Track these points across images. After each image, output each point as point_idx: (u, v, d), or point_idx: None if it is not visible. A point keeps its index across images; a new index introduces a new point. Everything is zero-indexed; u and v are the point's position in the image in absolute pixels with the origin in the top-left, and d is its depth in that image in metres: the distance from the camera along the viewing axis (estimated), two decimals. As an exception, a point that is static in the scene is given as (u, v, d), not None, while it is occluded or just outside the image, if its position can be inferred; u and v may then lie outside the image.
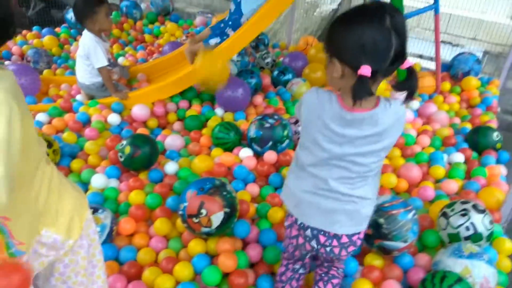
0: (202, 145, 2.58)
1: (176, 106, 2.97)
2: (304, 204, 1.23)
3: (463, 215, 1.69)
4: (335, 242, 1.23)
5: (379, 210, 1.66)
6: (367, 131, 1.08)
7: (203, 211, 1.70)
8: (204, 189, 1.73)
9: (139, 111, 2.71)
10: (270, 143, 2.43)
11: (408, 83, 1.03)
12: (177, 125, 2.83)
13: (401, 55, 0.99)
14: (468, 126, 2.85)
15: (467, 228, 1.67)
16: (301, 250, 1.37)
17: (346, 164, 1.13)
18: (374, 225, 1.66)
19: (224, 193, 1.76)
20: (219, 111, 2.95)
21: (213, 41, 2.99)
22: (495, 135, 2.58)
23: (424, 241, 1.84)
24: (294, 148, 2.63)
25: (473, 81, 3.30)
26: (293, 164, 1.28)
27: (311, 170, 1.18)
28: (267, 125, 2.44)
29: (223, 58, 2.68)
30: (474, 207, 1.72)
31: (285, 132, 2.45)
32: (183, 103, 2.99)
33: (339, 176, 1.15)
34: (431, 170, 2.38)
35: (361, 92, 0.98)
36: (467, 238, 1.67)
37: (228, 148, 2.50)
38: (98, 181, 2.13)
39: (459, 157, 2.48)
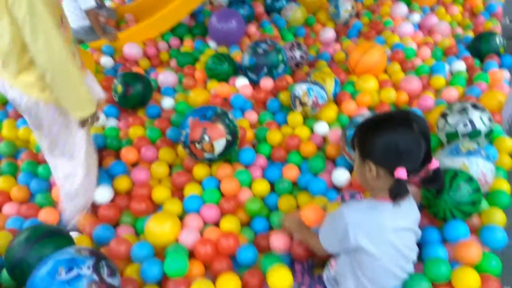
0: (197, 79, 2.54)
1: (167, 45, 2.90)
2: None
3: (461, 112, 1.67)
4: None
5: None
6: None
7: (206, 137, 1.70)
8: (206, 116, 1.73)
9: (130, 50, 2.67)
10: (265, 69, 2.38)
11: (435, 182, 1.10)
12: (171, 63, 2.79)
13: (428, 155, 1.07)
14: (471, 35, 2.74)
15: (465, 125, 1.65)
16: None
17: None
18: None
19: (226, 120, 1.75)
20: (212, 44, 2.88)
21: None
22: (498, 40, 2.47)
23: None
24: (291, 74, 2.57)
25: (476, -12, 3.12)
26: None
27: None
28: (261, 51, 2.37)
29: None
30: (473, 105, 1.68)
31: (280, 57, 2.39)
32: (174, 41, 2.92)
33: None
34: (432, 80, 2.32)
35: (401, 192, 1.04)
36: (465, 136, 1.66)
37: (223, 79, 2.47)
38: (96, 119, 2.14)
39: (460, 66, 2.41)
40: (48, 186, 1.85)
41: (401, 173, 1.02)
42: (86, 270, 1.06)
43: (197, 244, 1.45)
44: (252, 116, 2.18)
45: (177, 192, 1.78)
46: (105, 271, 1.10)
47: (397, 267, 1.15)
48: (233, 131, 1.76)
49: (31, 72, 1.36)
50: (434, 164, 1.07)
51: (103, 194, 1.72)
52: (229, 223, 1.56)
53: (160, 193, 1.72)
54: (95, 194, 1.70)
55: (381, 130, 1.07)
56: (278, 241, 1.45)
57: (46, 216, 1.66)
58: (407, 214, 1.15)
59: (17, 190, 1.79)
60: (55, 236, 1.32)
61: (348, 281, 1.18)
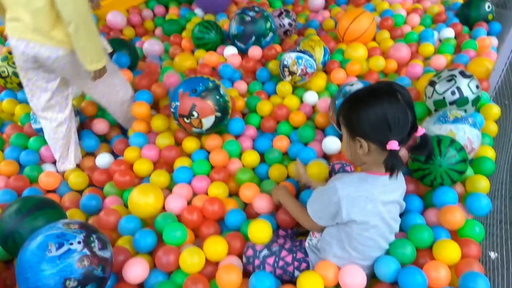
0: (184, 48, 2.49)
1: (152, 12, 2.81)
2: None
3: (450, 80, 1.67)
4: None
5: None
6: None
7: (195, 114, 1.68)
8: (197, 91, 1.68)
9: (114, 18, 2.58)
10: (253, 38, 2.34)
11: (425, 147, 1.09)
12: (156, 32, 2.72)
13: (415, 124, 1.07)
14: (460, 1, 2.71)
15: (453, 93, 1.66)
16: None
17: None
18: None
19: (217, 96, 1.71)
20: (198, 12, 2.80)
21: None
22: (487, 6, 2.46)
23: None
24: (279, 42, 2.54)
25: (467, -47, 3.06)
26: None
27: None
28: (248, 18, 2.32)
29: None
30: (461, 73, 1.69)
31: (268, 25, 2.34)
32: (159, 8, 2.83)
33: None
34: (420, 48, 2.31)
35: (397, 163, 1.04)
36: (452, 103, 1.67)
37: (210, 49, 2.42)
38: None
39: (449, 33, 2.40)
40: (37, 158, 1.85)
41: (393, 145, 1.02)
42: (76, 245, 1.05)
43: (184, 211, 1.46)
44: (241, 86, 2.16)
45: (167, 166, 1.77)
46: (96, 245, 1.09)
47: (382, 238, 1.19)
48: (223, 108, 1.73)
49: (61, 29, 1.49)
50: (421, 131, 1.08)
51: (103, 160, 1.81)
52: (217, 189, 1.58)
53: (142, 166, 1.71)
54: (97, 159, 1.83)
55: (367, 105, 1.06)
56: (261, 203, 1.48)
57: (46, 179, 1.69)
58: (396, 187, 1.17)
59: (6, 165, 1.77)
60: (46, 208, 1.31)
61: (332, 249, 1.21)
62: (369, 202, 1.10)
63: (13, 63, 2.08)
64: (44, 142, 1.86)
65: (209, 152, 1.77)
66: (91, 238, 1.09)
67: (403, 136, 1.05)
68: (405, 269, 1.18)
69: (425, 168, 1.41)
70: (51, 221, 1.25)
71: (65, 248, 1.03)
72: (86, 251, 1.05)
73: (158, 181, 1.64)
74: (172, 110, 1.74)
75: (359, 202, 1.10)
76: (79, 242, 1.06)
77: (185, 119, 1.70)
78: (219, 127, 1.79)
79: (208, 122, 1.71)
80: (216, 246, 1.28)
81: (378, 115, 1.04)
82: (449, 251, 1.23)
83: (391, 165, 1.04)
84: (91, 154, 1.93)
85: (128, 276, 1.22)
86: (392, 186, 1.14)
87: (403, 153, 1.52)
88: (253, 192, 1.53)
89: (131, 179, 1.65)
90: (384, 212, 1.13)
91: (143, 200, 1.43)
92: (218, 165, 1.70)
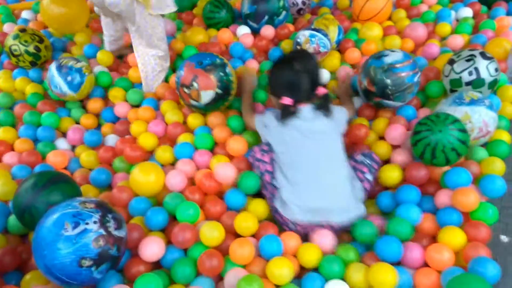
0: (196, 26, 2.46)
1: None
2: None
3: (468, 60, 1.63)
4: None
5: (389, 70, 1.61)
6: None
7: (195, 85, 1.68)
8: (202, 64, 1.69)
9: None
10: (266, 17, 2.29)
11: (324, 104, 1.49)
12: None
13: (315, 86, 1.48)
14: (480, -21, 2.62)
15: (470, 73, 1.62)
16: None
17: None
18: (380, 84, 1.62)
19: (221, 73, 1.70)
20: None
21: None
22: (508, -16, 2.37)
23: (427, 92, 1.82)
24: (293, 22, 2.49)
25: None
26: None
27: None
28: (261, -4, 2.27)
29: None
30: (482, 54, 1.64)
31: (281, 3, 2.29)
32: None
33: None
34: (437, 28, 2.25)
35: (286, 114, 1.46)
36: (468, 84, 1.63)
37: (222, 28, 2.38)
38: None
39: (467, 12, 2.33)
40: (53, 134, 1.88)
41: (285, 100, 1.45)
42: (92, 225, 1.06)
43: (186, 191, 1.50)
44: (252, 65, 2.13)
45: (171, 143, 1.78)
46: (111, 224, 1.10)
47: (309, 164, 1.39)
48: (225, 86, 1.72)
49: None
50: (321, 90, 1.47)
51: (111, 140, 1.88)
52: (219, 161, 1.59)
53: (147, 140, 1.73)
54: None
55: (275, 68, 1.54)
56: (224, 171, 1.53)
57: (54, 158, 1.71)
58: (325, 122, 1.47)
59: (20, 143, 1.80)
60: (61, 182, 1.33)
61: (278, 180, 1.44)
62: (285, 128, 1.45)
63: (25, 41, 2.08)
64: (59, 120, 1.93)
65: (212, 129, 1.78)
66: (107, 218, 1.10)
67: (299, 95, 1.45)
68: (383, 238, 1.25)
69: (428, 142, 1.39)
70: (66, 195, 1.28)
71: (81, 227, 1.05)
72: (101, 231, 1.07)
73: (163, 157, 1.66)
74: (176, 79, 1.77)
75: (276, 127, 1.46)
76: (95, 222, 1.07)
77: (185, 89, 1.71)
78: (218, 106, 1.79)
79: (206, 96, 1.71)
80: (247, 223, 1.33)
81: (276, 77, 1.52)
82: (454, 238, 1.26)
83: (282, 114, 1.46)
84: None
85: (144, 254, 1.25)
86: (317, 120, 1.46)
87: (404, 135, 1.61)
88: (241, 146, 1.63)
89: (141, 153, 1.67)
90: (307, 140, 1.41)
91: (144, 178, 1.45)
92: (222, 141, 1.72)
